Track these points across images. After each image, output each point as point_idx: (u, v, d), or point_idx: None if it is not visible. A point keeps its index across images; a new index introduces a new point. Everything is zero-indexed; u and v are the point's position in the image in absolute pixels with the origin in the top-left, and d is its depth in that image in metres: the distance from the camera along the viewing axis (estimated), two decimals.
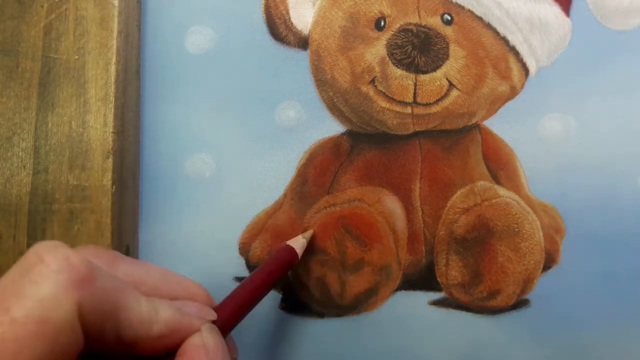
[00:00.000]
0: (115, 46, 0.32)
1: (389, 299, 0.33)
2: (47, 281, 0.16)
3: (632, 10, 0.33)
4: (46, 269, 0.16)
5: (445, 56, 0.32)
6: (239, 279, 0.33)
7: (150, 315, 0.20)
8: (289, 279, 0.33)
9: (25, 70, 0.32)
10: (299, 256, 0.30)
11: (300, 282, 0.33)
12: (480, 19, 0.33)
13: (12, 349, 0.15)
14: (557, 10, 0.33)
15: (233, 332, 0.25)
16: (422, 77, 0.32)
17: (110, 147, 0.31)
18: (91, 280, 0.17)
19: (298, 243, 0.31)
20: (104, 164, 0.31)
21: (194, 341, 0.21)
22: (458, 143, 0.33)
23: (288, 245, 0.30)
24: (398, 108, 0.33)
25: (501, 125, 0.33)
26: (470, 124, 0.33)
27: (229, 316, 0.24)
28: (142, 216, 0.34)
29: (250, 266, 0.33)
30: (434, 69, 0.32)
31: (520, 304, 0.32)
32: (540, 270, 0.32)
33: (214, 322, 0.23)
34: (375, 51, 0.33)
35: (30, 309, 0.15)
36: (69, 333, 0.16)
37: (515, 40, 0.33)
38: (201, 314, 0.23)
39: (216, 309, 0.24)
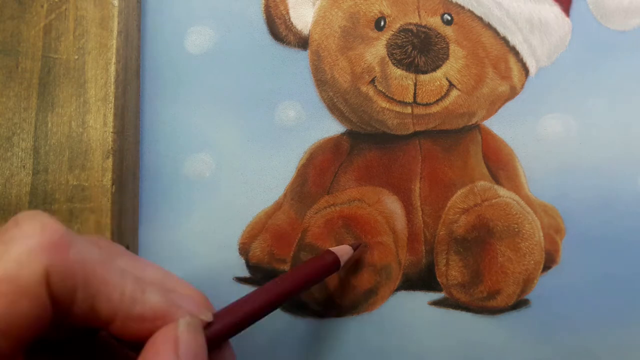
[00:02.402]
0: (115, 46, 0.32)
1: (389, 299, 0.33)
2: (17, 243, 0.16)
3: (632, 10, 0.33)
4: (19, 232, 0.17)
5: (445, 56, 0.32)
6: (239, 279, 0.33)
7: (135, 294, 0.19)
8: None
9: (25, 70, 0.32)
10: (342, 264, 0.28)
11: None
12: (480, 19, 0.33)
13: None
14: (557, 10, 0.33)
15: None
16: (422, 77, 0.32)
17: (110, 147, 0.31)
18: (64, 247, 0.17)
19: (342, 250, 0.29)
20: (104, 164, 0.31)
21: (166, 332, 0.19)
22: (458, 143, 0.33)
23: (330, 251, 0.28)
24: (398, 108, 0.33)
25: (501, 125, 0.33)
26: (470, 124, 0.33)
27: (227, 324, 0.22)
28: (142, 216, 0.34)
29: (250, 266, 0.33)
30: (434, 69, 0.32)
31: (520, 304, 0.32)
32: (540, 270, 0.32)
33: (209, 324, 0.21)
34: (375, 51, 0.33)
35: None
36: (33, 296, 0.16)
37: (515, 40, 0.33)
38: (195, 311, 0.21)
39: (217, 314, 0.22)
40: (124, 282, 0.19)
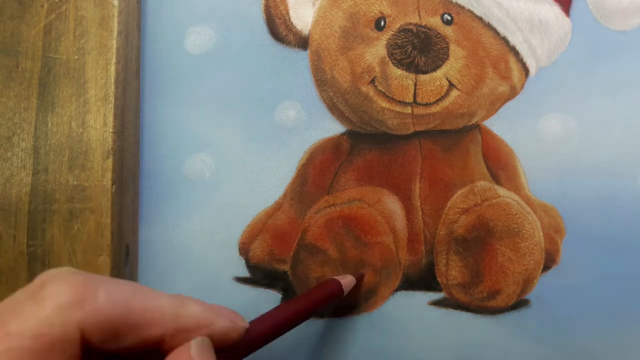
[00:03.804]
0: (115, 46, 0.32)
1: (389, 299, 0.33)
2: (48, 302, 0.17)
3: (632, 10, 0.33)
4: (47, 291, 0.17)
5: (445, 56, 0.32)
6: (239, 279, 0.33)
7: (176, 309, 0.20)
8: (288, 279, 0.33)
9: (25, 70, 0.32)
10: (344, 292, 0.30)
11: (300, 282, 0.33)
12: (480, 19, 0.33)
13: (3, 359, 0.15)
14: (557, 10, 0.33)
15: None
16: (422, 77, 0.32)
17: (110, 147, 0.31)
18: (92, 299, 0.18)
19: (346, 280, 0.31)
20: (104, 164, 0.31)
21: (179, 354, 0.19)
22: (458, 143, 0.33)
23: (335, 279, 0.30)
24: (398, 108, 0.33)
25: (501, 125, 0.33)
26: (470, 124, 0.33)
27: (258, 334, 0.23)
28: (142, 216, 0.34)
29: (250, 266, 0.33)
30: (434, 69, 0.32)
31: (520, 304, 0.32)
32: (540, 270, 0.32)
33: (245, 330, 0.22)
34: (375, 51, 0.33)
35: (27, 326, 0.16)
36: (64, 350, 0.17)
37: (515, 40, 0.33)
38: (233, 317, 0.22)
39: (251, 323, 0.23)
40: (161, 302, 0.19)
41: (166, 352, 0.19)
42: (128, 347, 0.18)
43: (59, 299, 0.17)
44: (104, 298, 0.18)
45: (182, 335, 0.20)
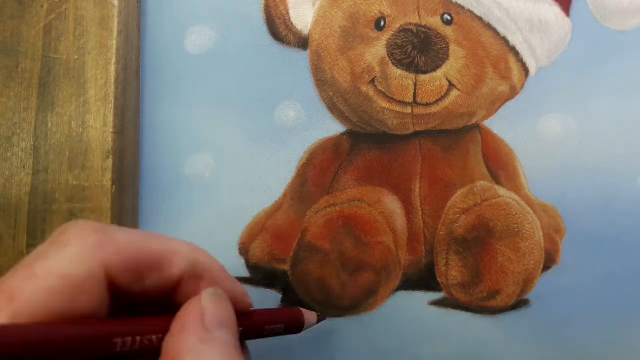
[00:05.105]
0: (115, 46, 0.32)
1: (389, 299, 0.33)
2: (72, 244, 0.17)
3: (632, 10, 0.33)
4: (69, 236, 0.18)
5: (445, 56, 0.32)
6: (239, 279, 0.33)
7: (192, 253, 0.21)
8: (288, 279, 0.33)
9: (25, 70, 0.32)
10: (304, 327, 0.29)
11: (300, 282, 0.33)
12: (480, 19, 0.33)
13: (32, 299, 0.16)
14: (557, 10, 0.33)
15: None
16: (422, 77, 0.32)
17: (110, 147, 0.31)
18: (112, 240, 0.18)
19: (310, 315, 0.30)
20: (104, 164, 0.31)
21: (190, 304, 0.19)
22: (458, 143, 0.33)
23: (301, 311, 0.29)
24: (398, 108, 0.33)
25: (501, 125, 0.33)
26: (470, 124, 0.33)
27: (257, 320, 0.24)
28: (142, 216, 0.34)
29: (250, 266, 0.33)
30: (434, 69, 0.32)
31: (520, 304, 0.32)
32: (540, 270, 0.32)
33: (243, 320, 0.22)
34: (375, 51, 0.33)
35: (53, 267, 0.17)
36: (91, 289, 0.17)
37: (515, 40, 0.33)
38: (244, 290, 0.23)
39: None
40: (177, 245, 0.20)
41: (181, 304, 0.20)
42: (150, 291, 0.19)
43: (81, 241, 0.17)
44: (123, 239, 0.19)
45: (197, 284, 0.20)
